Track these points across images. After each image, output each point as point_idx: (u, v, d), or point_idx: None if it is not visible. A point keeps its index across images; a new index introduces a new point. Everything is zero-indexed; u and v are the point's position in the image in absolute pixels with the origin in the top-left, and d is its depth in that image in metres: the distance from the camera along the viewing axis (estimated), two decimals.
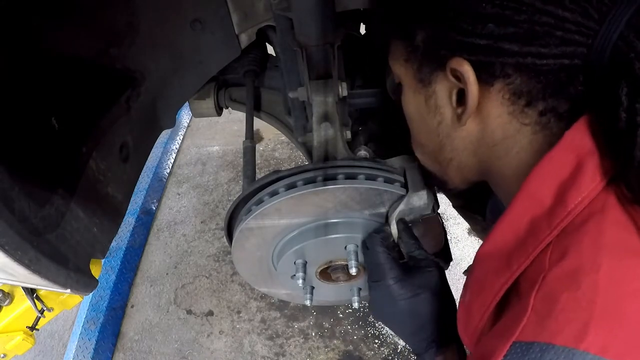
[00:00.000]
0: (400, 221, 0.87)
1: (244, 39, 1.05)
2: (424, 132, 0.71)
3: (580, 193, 0.49)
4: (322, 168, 0.84)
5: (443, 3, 0.57)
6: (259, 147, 3.11)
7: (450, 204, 1.14)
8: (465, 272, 0.72)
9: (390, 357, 2.13)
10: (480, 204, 1.01)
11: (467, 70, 0.55)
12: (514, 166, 0.59)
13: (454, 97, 0.60)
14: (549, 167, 0.52)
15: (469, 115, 0.59)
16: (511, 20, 0.51)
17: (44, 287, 0.73)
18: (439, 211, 0.91)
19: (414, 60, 0.64)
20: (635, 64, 0.45)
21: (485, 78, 0.55)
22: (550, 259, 0.50)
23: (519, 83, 0.54)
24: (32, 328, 1.11)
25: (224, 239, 1.75)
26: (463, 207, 1.09)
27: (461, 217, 1.16)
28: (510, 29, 0.51)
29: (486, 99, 0.57)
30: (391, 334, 2.18)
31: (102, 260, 0.88)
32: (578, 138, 0.50)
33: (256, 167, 1.14)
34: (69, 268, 0.73)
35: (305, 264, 0.95)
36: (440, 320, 0.77)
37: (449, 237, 0.95)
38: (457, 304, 0.65)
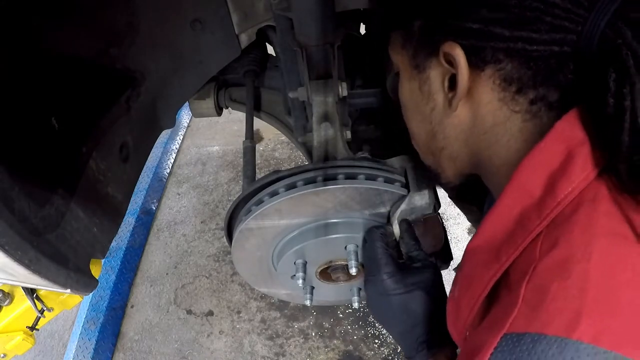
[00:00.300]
0: (404, 221, 0.87)
1: (244, 39, 1.05)
2: (417, 120, 0.71)
3: (570, 183, 0.50)
4: (322, 168, 0.84)
5: None
6: (259, 147, 3.11)
7: (450, 202, 1.14)
8: (455, 269, 0.72)
9: (390, 357, 2.13)
10: (476, 196, 1.01)
11: (459, 54, 0.56)
12: (503, 155, 0.59)
13: (447, 83, 0.61)
14: (539, 157, 0.52)
15: (459, 99, 0.59)
16: (502, 5, 0.52)
17: (44, 287, 0.73)
18: (439, 211, 0.91)
19: (409, 47, 0.65)
20: (623, 50, 0.46)
21: (476, 62, 0.56)
22: (540, 249, 0.50)
23: (510, 69, 0.54)
24: (32, 328, 1.11)
25: (224, 239, 1.75)
26: (458, 197, 1.09)
27: (461, 217, 1.16)
28: (501, 13, 0.52)
29: (477, 84, 0.57)
30: None
31: (102, 260, 0.88)
32: (569, 129, 0.51)
33: (256, 167, 1.14)
34: (69, 268, 0.73)
35: (305, 264, 0.95)
36: (434, 321, 0.76)
37: (449, 237, 0.95)
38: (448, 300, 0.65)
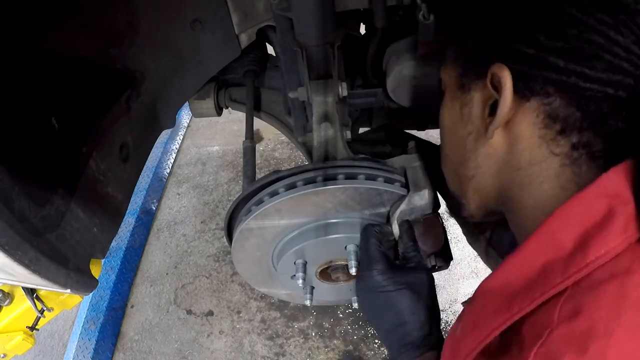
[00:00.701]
0: (405, 222, 0.87)
1: (244, 39, 1.05)
2: (452, 142, 0.68)
3: (604, 245, 0.45)
4: (322, 168, 0.84)
5: (496, 9, 0.56)
6: (259, 147, 3.11)
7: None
8: (464, 303, 0.69)
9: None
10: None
11: (506, 76, 0.53)
12: (535, 197, 0.56)
13: (488, 109, 0.58)
14: (577, 209, 0.48)
15: (497, 126, 0.56)
16: (561, 33, 0.49)
17: (44, 287, 0.73)
18: (439, 211, 0.91)
19: (459, 65, 0.63)
20: None
21: (523, 91, 0.53)
22: (560, 313, 0.46)
23: (557, 105, 0.51)
24: (32, 328, 1.11)
25: (224, 239, 1.76)
26: (466, 222, 1.06)
27: None
28: (559, 42, 0.49)
29: (519, 114, 0.54)
30: None
31: (102, 260, 0.88)
32: (614, 184, 0.47)
33: (256, 167, 1.14)
34: (69, 268, 0.73)
35: (305, 264, 0.95)
36: (420, 323, 0.75)
37: (449, 237, 0.95)
38: (447, 334, 0.62)
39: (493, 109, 0.57)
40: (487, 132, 0.58)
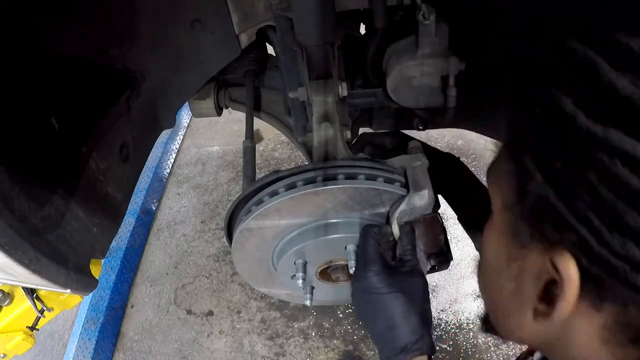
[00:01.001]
0: (407, 224, 0.87)
1: (244, 39, 1.05)
2: (492, 285, 0.56)
3: None
4: (322, 168, 0.84)
5: (586, 175, 0.37)
6: (259, 147, 3.11)
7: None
8: None
9: None
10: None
11: (573, 283, 0.39)
12: None
13: (542, 286, 0.44)
14: None
15: (550, 324, 0.45)
16: None
17: (44, 287, 0.73)
18: (439, 211, 0.91)
19: (516, 208, 0.46)
20: None
21: (591, 297, 0.40)
22: None
23: (634, 315, 0.39)
24: (32, 328, 1.11)
25: (224, 239, 1.76)
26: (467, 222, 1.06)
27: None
28: None
29: (581, 314, 0.42)
30: None
31: (102, 260, 0.88)
32: None
33: (256, 167, 1.14)
34: (69, 268, 0.73)
35: (305, 264, 0.95)
36: (412, 329, 0.75)
37: (449, 237, 0.95)
38: None
39: (549, 287, 0.43)
40: (536, 317, 0.47)
